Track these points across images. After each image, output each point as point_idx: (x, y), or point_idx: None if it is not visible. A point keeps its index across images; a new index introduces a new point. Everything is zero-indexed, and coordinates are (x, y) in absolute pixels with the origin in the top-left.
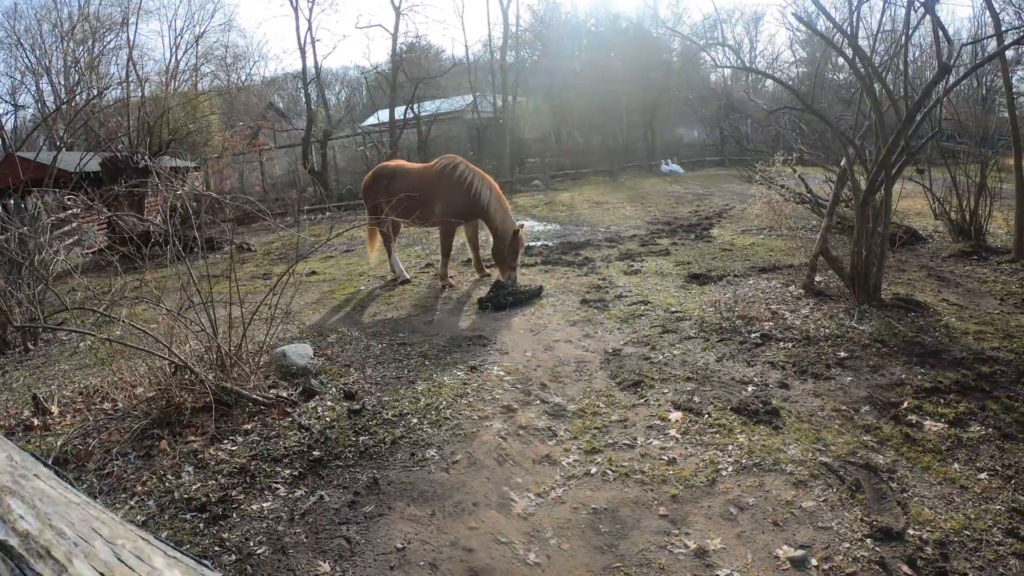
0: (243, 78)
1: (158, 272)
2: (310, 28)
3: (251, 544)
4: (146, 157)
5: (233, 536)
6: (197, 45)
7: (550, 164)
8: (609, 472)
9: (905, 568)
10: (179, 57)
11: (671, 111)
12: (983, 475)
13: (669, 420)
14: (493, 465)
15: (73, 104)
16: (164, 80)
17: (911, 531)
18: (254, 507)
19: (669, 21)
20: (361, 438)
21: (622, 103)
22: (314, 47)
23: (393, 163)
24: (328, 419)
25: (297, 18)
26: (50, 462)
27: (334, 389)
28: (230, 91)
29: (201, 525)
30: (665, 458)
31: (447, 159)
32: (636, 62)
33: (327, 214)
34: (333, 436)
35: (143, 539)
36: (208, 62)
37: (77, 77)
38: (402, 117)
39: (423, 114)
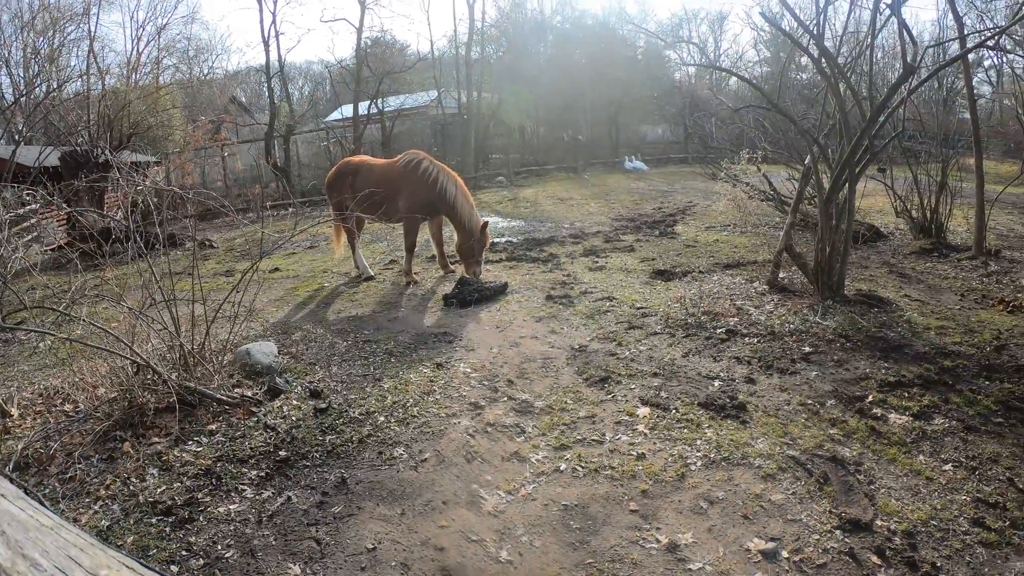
0: (205, 71)
1: (119, 269)
2: (274, 21)
3: (219, 548)
4: (107, 151)
5: (200, 540)
6: (159, 37)
7: (514, 160)
8: (579, 468)
9: (874, 558)
10: (141, 49)
11: (635, 108)
12: (948, 466)
13: (637, 416)
14: (462, 463)
15: (32, 97)
16: (125, 73)
17: (879, 522)
18: (221, 509)
19: (635, 18)
20: (328, 437)
21: (586, 100)
22: (278, 40)
23: (357, 159)
24: (294, 418)
25: (261, 11)
26: (11, 467)
27: (299, 388)
28: (192, 84)
29: (167, 529)
30: (634, 453)
31: (411, 155)
32: (601, 59)
33: (290, 210)
34: (299, 435)
35: (128, 567)
36: (170, 55)
37: (37, 69)
38: (366, 112)
39: (387, 109)
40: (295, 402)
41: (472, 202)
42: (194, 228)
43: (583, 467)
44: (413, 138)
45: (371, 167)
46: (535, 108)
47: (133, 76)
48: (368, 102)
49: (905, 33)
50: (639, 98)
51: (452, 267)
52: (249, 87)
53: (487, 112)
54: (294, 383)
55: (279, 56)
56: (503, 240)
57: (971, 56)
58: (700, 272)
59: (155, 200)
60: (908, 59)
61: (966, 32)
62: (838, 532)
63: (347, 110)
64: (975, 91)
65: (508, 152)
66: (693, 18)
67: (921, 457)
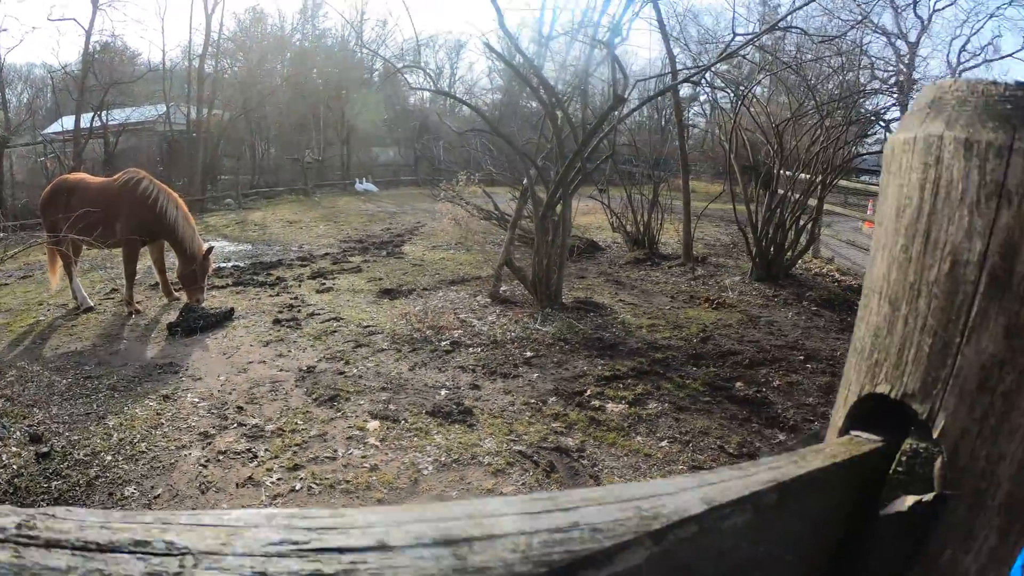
0: None
1: None
2: None
3: None
4: None
5: None
6: None
7: (244, 181)
8: (314, 486)
9: None
10: None
11: (368, 130)
12: (664, 443)
13: (368, 429)
14: (196, 494)
15: None
16: None
17: None
18: None
19: (373, 43)
20: (54, 483)
21: (320, 120)
22: None
23: (74, 177)
24: (15, 467)
25: None
26: None
27: (18, 432)
28: None
29: None
30: (367, 465)
31: (130, 173)
32: (337, 80)
33: (0, 234)
34: (22, 484)
35: None
36: None
37: None
38: (89, 125)
39: (112, 123)
40: (14, 449)
41: (194, 225)
42: None
43: (318, 484)
44: (139, 155)
45: (88, 186)
46: (268, 127)
47: None
48: (92, 114)
49: (617, 67)
50: (372, 120)
51: (176, 294)
52: None
53: (218, 130)
54: (12, 428)
55: None
56: (230, 265)
57: (686, 92)
58: (425, 289)
59: None
60: (619, 91)
61: (677, 68)
62: None
63: (68, 122)
64: (690, 122)
65: (238, 173)
66: (431, 44)
67: (639, 438)
